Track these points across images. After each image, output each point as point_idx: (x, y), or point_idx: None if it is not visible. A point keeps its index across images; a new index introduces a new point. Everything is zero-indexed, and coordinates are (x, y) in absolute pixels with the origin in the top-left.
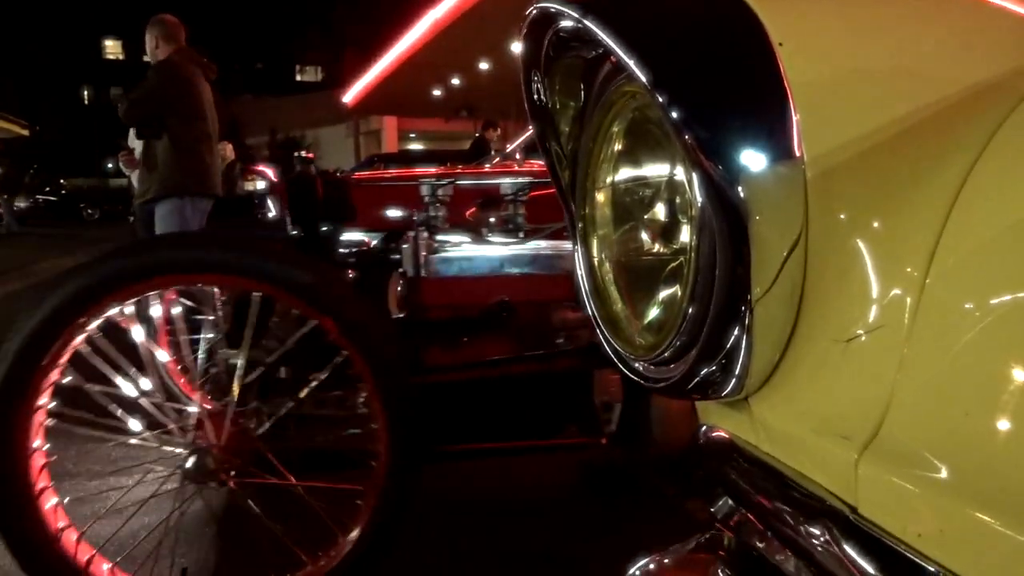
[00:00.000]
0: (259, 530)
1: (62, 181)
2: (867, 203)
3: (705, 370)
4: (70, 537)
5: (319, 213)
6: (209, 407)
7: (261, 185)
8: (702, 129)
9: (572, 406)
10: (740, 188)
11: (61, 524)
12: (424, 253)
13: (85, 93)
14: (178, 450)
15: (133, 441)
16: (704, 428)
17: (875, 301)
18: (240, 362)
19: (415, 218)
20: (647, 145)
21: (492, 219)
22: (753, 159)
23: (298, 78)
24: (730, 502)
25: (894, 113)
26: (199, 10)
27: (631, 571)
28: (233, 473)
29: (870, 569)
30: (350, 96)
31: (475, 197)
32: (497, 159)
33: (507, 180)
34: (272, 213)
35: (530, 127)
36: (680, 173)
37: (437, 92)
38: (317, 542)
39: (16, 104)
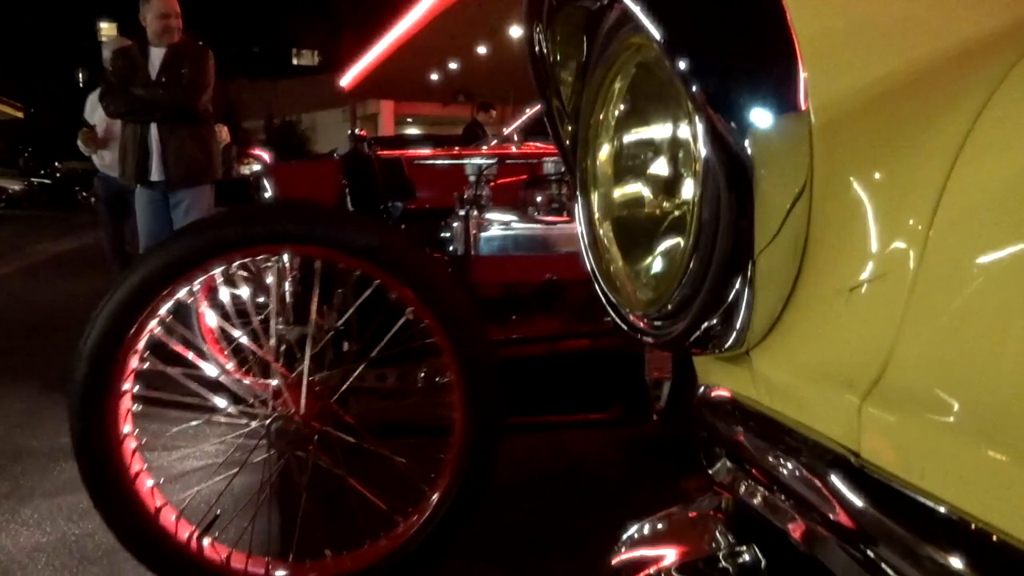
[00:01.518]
0: (326, 503)
1: (57, 164)
2: (872, 153)
3: (706, 323)
4: (144, 481)
5: (378, 191)
6: (288, 377)
7: (257, 168)
8: (709, 80)
9: (623, 383)
10: (746, 140)
11: (137, 468)
12: (474, 232)
13: (80, 75)
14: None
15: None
16: (703, 388)
17: (880, 249)
18: (310, 332)
19: (464, 197)
20: (651, 99)
21: (538, 198)
22: (759, 111)
23: (295, 62)
24: (728, 463)
25: (900, 63)
26: None
27: (629, 533)
28: (313, 443)
29: (873, 513)
30: (347, 80)
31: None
32: (495, 141)
33: (550, 160)
34: (268, 194)
35: (528, 110)
36: (684, 127)
37: (434, 76)
38: (380, 524)
39: (10, 86)
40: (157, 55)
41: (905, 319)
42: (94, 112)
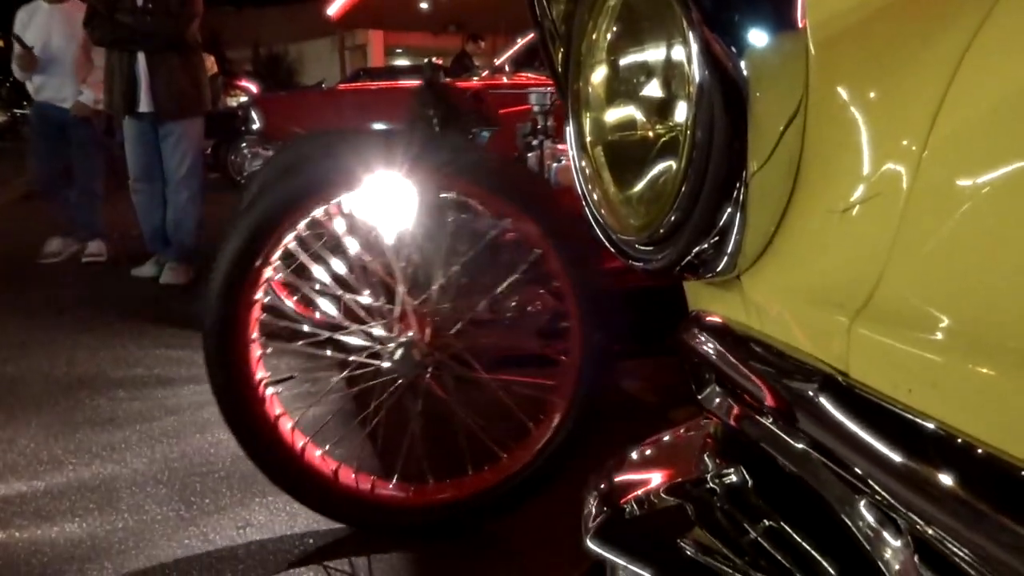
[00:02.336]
0: (454, 425)
1: None
2: (868, 72)
3: (698, 248)
4: (265, 391)
5: (462, 120)
6: (410, 304)
7: (244, 100)
8: None
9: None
10: (741, 60)
11: (260, 375)
12: (548, 162)
13: None
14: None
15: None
16: (693, 314)
17: (873, 170)
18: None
19: (537, 127)
20: (645, 19)
21: None
22: (756, 29)
23: None
24: (718, 388)
25: None
26: None
27: (618, 458)
28: (433, 368)
29: (860, 431)
30: (334, 8)
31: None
32: (485, 72)
33: None
34: (256, 125)
35: (519, 40)
36: (678, 47)
37: (424, 5)
38: (508, 439)
39: None
40: None
41: (897, 239)
42: (24, 32)
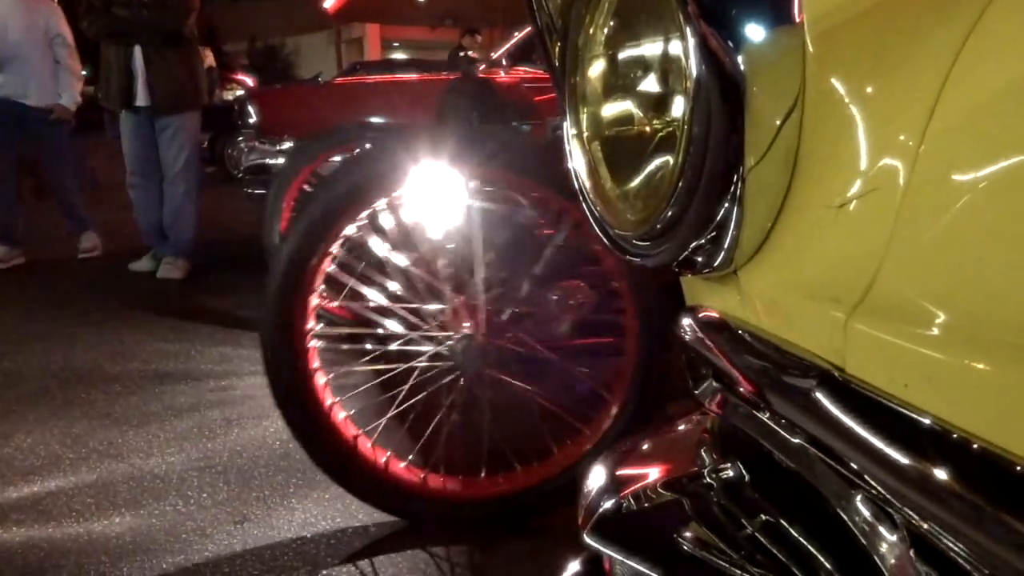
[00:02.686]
0: (501, 423)
1: None
2: (865, 66)
3: (695, 243)
4: (319, 380)
5: (505, 113)
6: (469, 300)
7: (240, 93)
8: None
9: None
10: (739, 55)
11: (315, 365)
12: None
13: None
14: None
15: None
16: (690, 308)
17: (870, 164)
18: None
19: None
20: (642, 13)
21: None
22: (753, 24)
23: None
24: (714, 383)
25: None
26: None
27: (615, 453)
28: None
29: (857, 426)
30: (331, 2)
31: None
32: (482, 67)
33: None
34: (252, 119)
35: (515, 34)
36: (675, 41)
37: None
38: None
39: None
40: None
41: (894, 234)
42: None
